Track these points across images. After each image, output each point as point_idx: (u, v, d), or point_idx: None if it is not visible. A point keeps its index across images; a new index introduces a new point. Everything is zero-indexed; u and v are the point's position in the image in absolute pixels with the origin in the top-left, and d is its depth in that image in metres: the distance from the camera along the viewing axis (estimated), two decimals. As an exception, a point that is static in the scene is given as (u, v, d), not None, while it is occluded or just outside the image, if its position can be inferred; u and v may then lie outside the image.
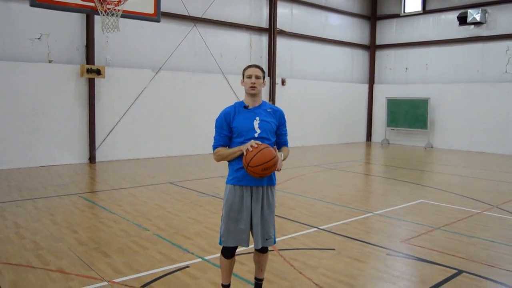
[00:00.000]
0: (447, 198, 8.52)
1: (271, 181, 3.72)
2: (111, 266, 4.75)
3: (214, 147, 3.69)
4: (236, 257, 4.77)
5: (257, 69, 3.66)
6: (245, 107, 3.66)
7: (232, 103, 3.77)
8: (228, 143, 3.67)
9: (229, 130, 3.64)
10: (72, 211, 7.08)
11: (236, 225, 3.62)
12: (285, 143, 3.84)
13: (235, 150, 3.55)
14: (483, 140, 16.54)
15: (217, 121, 3.68)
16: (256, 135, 3.58)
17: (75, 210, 7.12)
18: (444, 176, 11.30)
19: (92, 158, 12.05)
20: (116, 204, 7.58)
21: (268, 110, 3.71)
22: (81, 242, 5.55)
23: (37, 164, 11.19)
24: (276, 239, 5.65)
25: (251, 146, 3.44)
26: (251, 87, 3.62)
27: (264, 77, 3.71)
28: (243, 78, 3.70)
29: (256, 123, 3.60)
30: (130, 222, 6.48)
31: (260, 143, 3.47)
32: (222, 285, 3.86)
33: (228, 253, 3.74)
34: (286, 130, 3.81)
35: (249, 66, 3.70)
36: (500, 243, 5.77)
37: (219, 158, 3.68)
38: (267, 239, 3.70)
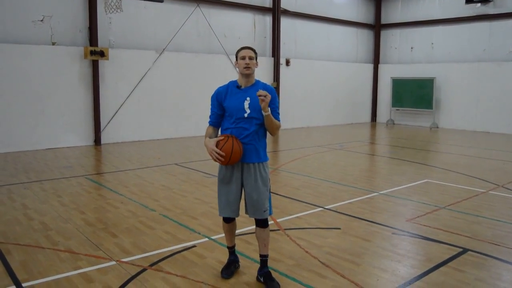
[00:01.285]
0: (453, 177, 8.52)
1: (263, 158, 3.83)
2: (118, 246, 4.80)
3: (208, 123, 3.93)
4: (242, 237, 4.85)
5: (250, 50, 3.80)
6: (238, 87, 3.81)
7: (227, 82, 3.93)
8: (220, 121, 3.89)
9: (220, 108, 3.84)
10: (79, 192, 7.13)
11: (226, 196, 3.86)
12: (275, 118, 3.81)
13: (212, 141, 3.69)
14: (489, 120, 16.44)
15: (211, 98, 3.89)
16: (245, 115, 3.73)
17: (82, 192, 7.18)
18: (449, 156, 11.28)
19: (97, 140, 12.09)
20: (122, 185, 7.63)
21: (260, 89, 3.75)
22: (88, 223, 5.61)
23: (43, 146, 11.24)
24: (282, 219, 5.71)
25: (212, 155, 3.67)
26: (245, 67, 3.74)
27: (256, 58, 3.83)
28: (236, 60, 3.83)
29: (246, 104, 3.73)
30: (137, 203, 6.53)
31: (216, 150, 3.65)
32: (227, 247, 4.18)
33: (226, 218, 4.03)
34: (276, 106, 3.82)
35: (242, 48, 3.83)
36: (505, 222, 5.78)
37: (205, 136, 3.89)
38: (264, 211, 3.83)
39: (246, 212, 3.90)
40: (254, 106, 3.70)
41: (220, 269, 4.12)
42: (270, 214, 3.91)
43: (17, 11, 10.76)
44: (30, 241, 4.92)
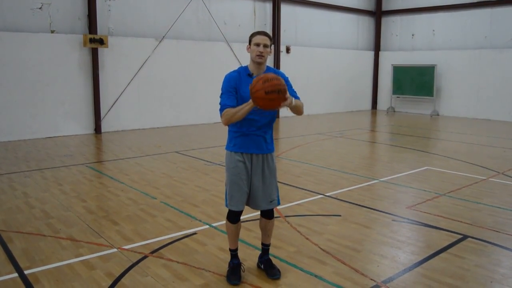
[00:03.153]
0: (453, 165, 8.52)
1: (270, 149, 3.74)
2: (120, 233, 4.82)
3: (222, 109, 3.50)
4: (243, 224, 4.84)
5: (266, 37, 3.57)
6: (249, 75, 3.60)
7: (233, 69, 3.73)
8: (237, 104, 3.50)
9: (236, 91, 3.54)
10: (80, 180, 7.14)
11: (239, 188, 3.67)
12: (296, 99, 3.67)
13: (244, 105, 3.41)
14: (490, 107, 16.40)
15: (223, 84, 3.58)
16: None
17: (83, 180, 7.19)
18: (450, 143, 11.27)
19: (97, 129, 12.08)
20: (123, 173, 7.64)
21: None
22: (89, 210, 5.62)
23: (43, 135, 11.24)
24: (283, 206, 5.72)
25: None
26: (258, 55, 3.54)
27: (271, 45, 3.64)
28: (249, 44, 3.61)
29: None
30: (138, 190, 6.54)
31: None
32: (230, 250, 3.92)
33: (234, 217, 3.79)
34: (293, 90, 3.71)
35: (258, 33, 3.60)
36: (505, 209, 5.79)
37: (227, 118, 3.45)
38: (271, 201, 3.76)
39: (249, 204, 3.77)
40: None
41: (226, 275, 3.83)
42: (278, 204, 3.84)
43: (15, -1, 10.68)
44: (31, 229, 4.94)
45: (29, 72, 10.90)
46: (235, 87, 3.54)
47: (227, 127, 3.70)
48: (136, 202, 5.99)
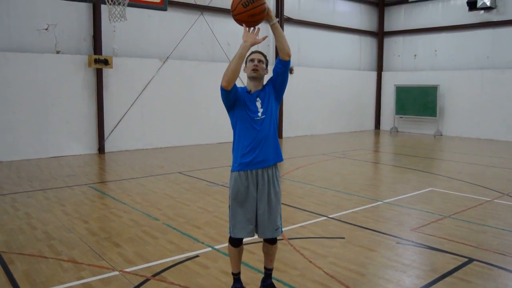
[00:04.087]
0: (457, 186, 8.48)
1: (278, 157, 3.71)
2: (122, 255, 4.79)
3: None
4: (245, 246, 4.80)
5: (260, 54, 3.71)
6: (248, 92, 3.69)
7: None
8: (236, 87, 3.60)
9: (237, 92, 3.61)
10: (83, 201, 7.13)
11: (243, 215, 3.64)
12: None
13: (238, 50, 3.47)
14: (493, 127, 16.38)
15: None
16: (259, 114, 3.62)
17: (86, 201, 7.17)
18: (453, 164, 11.23)
19: (101, 149, 12.11)
20: (126, 194, 7.62)
21: (266, 90, 3.73)
22: (92, 232, 5.60)
23: (47, 155, 11.26)
24: (286, 228, 5.67)
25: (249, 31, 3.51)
26: (253, 69, 3.65)
27: (267, 64, 3.74)
28: (245, 64, 3.72)
29: (258, 104, 3.65)
30: (140, 212, 6.52)
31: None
32: (232, 273, 3.88)
33: (236, 241, 3.77)
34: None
35: (252, 52, 3.74)
36: (510, 231, 5.73)
37: (225, 73, 3.48)
38: (276, 229, 3.71)
39: (256, 232, 3.73)
40: (266, 105, 3.64)
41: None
42: (281, 233, 3.78)
43: (22, 20, 10.82)
44: (33, 251, 4.91)
45: (34, 92, 10.98)
46: (237, 89, 3.63)
47: (232, 142, 3.73)
48: (139, 223, 5.97)
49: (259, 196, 3.64)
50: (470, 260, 4.71)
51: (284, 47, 3.60)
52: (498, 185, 8.47)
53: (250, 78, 3.70)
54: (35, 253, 4.85)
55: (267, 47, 15.95)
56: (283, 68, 3.68)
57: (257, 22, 3.53)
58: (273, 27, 3.57)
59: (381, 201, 7.25)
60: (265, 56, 3.74)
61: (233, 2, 3.49)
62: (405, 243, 5.29)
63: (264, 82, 3.78)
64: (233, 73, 3.45)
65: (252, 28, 3.56)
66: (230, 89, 3.50)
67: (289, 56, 3.63)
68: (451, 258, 4.79)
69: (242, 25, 3.53)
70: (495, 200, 7.35)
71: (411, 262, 4.69)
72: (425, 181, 8.95)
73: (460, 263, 4.64)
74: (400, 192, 7.93)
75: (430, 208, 6.81)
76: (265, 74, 3.73)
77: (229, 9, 13.58)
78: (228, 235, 3.80)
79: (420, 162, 11.39)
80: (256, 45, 3.59)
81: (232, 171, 3.72)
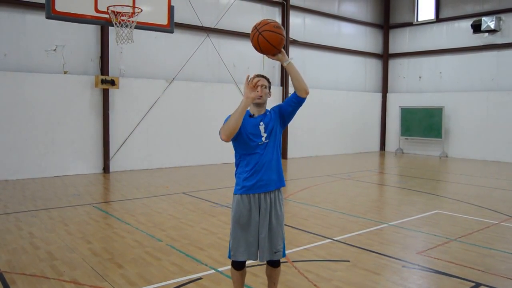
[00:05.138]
0: (463, 208, 8.39)
1: (280, 183, 3.70)
2: (124, 277, 4.74)
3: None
4: (249, 269, 4.75)
5: (263, 79, 3.67)
6: (251, 115, 3.68)
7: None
8: (236, 138, 3.60)
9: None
10: (86, 221, 7.11)
11: (245, 238, 3.61)
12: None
13: (239, 105, 3.44)
14: (499, 149, 16.30)
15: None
16: (263, 139, 3.61)
17: (89, 220, 7.15)
18: (459, 186, 11.14)
19: (106, 168, 12.13)
20: (129, 214, 7.60)
21: (271, 115, 3.73)
22: (95, 252, 5.56)
23: (51, 174, 11.29)
24: (290, 251, 5.61)
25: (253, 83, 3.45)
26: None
27: (270, 87, 3.73)
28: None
29: (261, 128, 3.63)
30: (144, 232, 6.49)
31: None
32: None
33: (239, 265, 3.73)
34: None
35: (255, 76, 3.71)
36: (518, 255, 5.65)
37: (224, 128, 3.49)
38: (275, 252, 3.66)
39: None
40: (269, 129, 3.63)
41: None
42: (283, 256, 3.74)
43: (30, 41, 10.98)
44: (35, 271, 4.88)
45: (41, 111, 11.08)
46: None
47: (234, 165, 3.71)
48: (142, 244, 5.93)
49: (261, 220, 3.62)
50: (477, 285, 4.63)
51: (301, 86, 3.58)
52: (505, 208, 8.38)
53: (254, 104, 3.68)
54: (38, 273, 4.82)
55: (273, 69, 16.07)
56: (298, 104, 3.69)
57: (279, 42, 3.48)
58: (288, 67, 3.56)
59: (387, 224, 7.18)
60: (268, 80, 3.73)
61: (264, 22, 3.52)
62: (411, 266, 5.21)
63: (268, 107, 3.77)
64: (233, 129, 3.46)
65: (254, 81, 3.52)
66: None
67: (307, 93, 3.62)
68: (458, 282, 4.71)
69: (261, 48, 3.48)
70: (502, 223, 7.26)
71: (417, 286, 4.62)
72: (431, 203, 8.88)
73: (467, 287, 4.56)
74: (405, 214, 7.86)
75: (436, 231, 6.74)
76: (268, 98, 3.71)
77: (234, 31, 13.58)
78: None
79: (426, 184, 11.32)
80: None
81: (235, 194, 3.71)
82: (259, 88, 3.44)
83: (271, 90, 3.77)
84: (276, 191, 3.69)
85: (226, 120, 3.54)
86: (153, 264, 5.15)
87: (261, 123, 3.64)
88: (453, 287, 4.59)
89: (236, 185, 3.72)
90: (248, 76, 3.46)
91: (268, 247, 3.63)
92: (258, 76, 3.72)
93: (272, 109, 3.77)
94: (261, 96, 3.62)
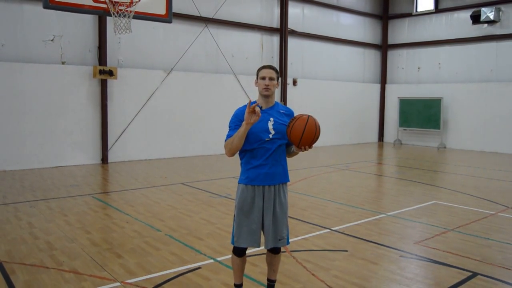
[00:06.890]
0: (461, 199, 8.43)
1: (284, 178, 3.72)
2: (123, 267, 4.77)
3: (225, 140, 3.59)
4: (248, 258, 4.78)
5: (271, 71, 3.62)
6: (259, 107, 3.62)
7: (243, 104, 3.73)
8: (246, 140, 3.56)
9: None
10: (85, 211, 7.12)
11: (248, 225, 3.62)
12: None
13: (238, 130, 3.44)
14: (497, 140, 16.33)
15: (231, 118, 3.63)
16: (270, 136, 3.57)
17: (88, 211, 7.17)
18: (457, 176, 11.18)
19: (104, 159, 12.13)
20: (128, 204, 7.61)
21: (281, 111, 3.70)
22: (94, 242, 5.58)
23: (50, 164, 11.29)
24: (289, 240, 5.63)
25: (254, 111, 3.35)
26: (265, 88, 3.59)
27: (278, 78, 3.68)
28: (257, 78, 3.68)
29: (270, 124, 3.58)
30: (143, 222, 6.51)
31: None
32: (235, 285, 3.85)
33: (239, 252, 3.75)
34: None
35: (263, 67, 3.66)
36: (515, 245, 5.68)
37: (228, 147, 3.52)
38: (279, 240, 3.68)
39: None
40: (278, 128, 3.59)
41: None
42: (287, 243, 3.77)
43: (28, 31, 10.93)
44: (34, 261, 4.89)
45: (39, 102, 11.05)
46: (242, 121, 3.50)
47: (239, 157, 3.71)
48: (141, 234, 5.95)
49: (266, 208, 3.63)
50: (474, 274, 4.66)
51: (290, 157, 3.84)
52: (503, 199, 8.41)
53: (262, 95, 3.66)
54: (37, 263, 4.84)
55: (271, 59, 16.02)
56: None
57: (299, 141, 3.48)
58: (292, 154, 3.76)
59: (385, 214, 7.21)
60: (276, 71, 3.66)
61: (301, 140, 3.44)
62: (408, 256, 5.25)
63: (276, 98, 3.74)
64: (237, 149, 3.52)
65: (253, 106, 3.38)
66: None
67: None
68: (455, 272, 4.74)
69: (316, 136, 3.46)
70: (499, 214, 7.29)
71: (414, 276, 4.65)
72: (429, 193, 8.91)
73: (464, 277, 4.60)
74: (403, 205, 7.89)
75: (434, 221, 6.77)
76: (276, 88, 3.68)
77: (233, 21, 13.53)
78: (232, 246, 3.77)
79: (424, 175, 11.35)
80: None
81: (239, 183, 3.72)
82: (257, 109, 3.33)
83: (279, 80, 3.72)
84: (280, 184, 3.69)
85: (228, 136, 3.55)
86: (152, 254, 5.18)
87: (271, 118, 3.60)
88: (450, 276, 4.63)
89: (241, 174, 3.72)
90: (250, 101, 3.40)
91: (273, 234, 3.64)
92: (266, 67, 3.66)
93: (287, 112, 3.72)
94: (269, 88, 3.59)
